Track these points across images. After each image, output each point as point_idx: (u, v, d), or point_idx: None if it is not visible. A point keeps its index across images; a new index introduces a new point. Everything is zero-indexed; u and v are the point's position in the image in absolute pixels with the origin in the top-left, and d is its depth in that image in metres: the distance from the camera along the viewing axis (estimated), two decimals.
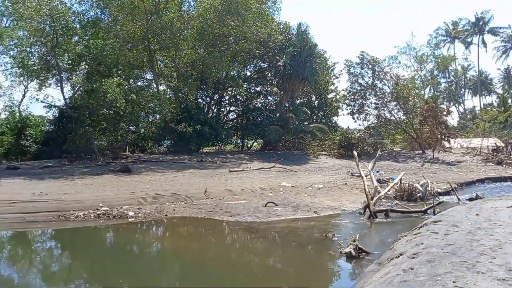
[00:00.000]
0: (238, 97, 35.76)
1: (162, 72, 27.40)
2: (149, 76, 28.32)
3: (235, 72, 31.22)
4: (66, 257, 8.49)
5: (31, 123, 26.21)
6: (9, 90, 38.26)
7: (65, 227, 10.23)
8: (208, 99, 34.74)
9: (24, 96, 37.85)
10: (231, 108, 36.77)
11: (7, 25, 34.25)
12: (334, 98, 36.26)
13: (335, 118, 36.83)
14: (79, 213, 11.06)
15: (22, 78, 31.22)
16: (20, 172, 16.55)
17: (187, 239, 9.50)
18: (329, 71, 35.86)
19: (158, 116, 25.40)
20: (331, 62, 35.93)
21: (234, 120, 36.67)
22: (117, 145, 24.34)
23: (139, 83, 26.01)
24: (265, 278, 6.53)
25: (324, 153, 28.38)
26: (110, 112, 22.21)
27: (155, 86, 25.76)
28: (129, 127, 25.76)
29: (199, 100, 33.03)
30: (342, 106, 35.49)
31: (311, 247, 8.25)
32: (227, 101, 36.39)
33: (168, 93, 27.72)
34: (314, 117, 35.63)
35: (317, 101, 36.50)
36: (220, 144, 32.72)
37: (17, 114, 27.25)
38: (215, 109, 35.51)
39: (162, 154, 27.54)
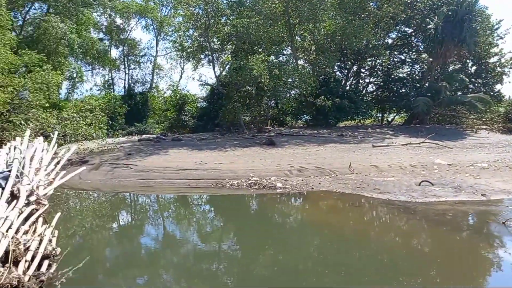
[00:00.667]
0: (379, 67, 33.40)
1: (300, 46, 27.40)
2: (287, 51, 28.74)
3: (377, 40, 29.05)
4: (222, 220, 9.35)
5: (189, 100, 29.78)
6: (170, 72, 44.04)
7: (222, 193, 11.30)
8: (346, 71, 33.49)
9: (181, 76, 43.21)
10: (370, 80, 34.70)
11: (166, 13, 39.32)
12: (498, 63, 30.50)
13: (498, 86, 31.10)
14: (233, 182, 12.06)
15: (180, 60, 35.68)
16: (182, 143, 18.96)
17: (336, 213, 9.35)
18: (492, 31, 30.13)
19: (297, 90, 25.70)
20: (495, 20, 30.12)
21: (374, 93, 34.54)
22: (260, 120, 25.73)
23: (279, 59, 26.61)
24: (432, 269, 5.82)
25: (484, 127, 24.45)
26: (254, 88, 23.45)
27: (294, 60, 25.99)
28: (271, 102, 26.83)
29: (337, 72, 32.12)
30: (509, 71, 29.68)
31: (485, 236, 7.11)
32: (366, 72, 34.41)
33: (306, 67, 27.70)
34: (470, 86, 30.75)
35: (474, 67, 31.33)
36: (360, 118, 31.43)
37: (178, 92, 31.27)
38: (354, 81, 34.08)
39: (301, 128, 27.99)
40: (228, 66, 25.24)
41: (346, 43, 25.71)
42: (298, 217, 9.46)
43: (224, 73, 26.58)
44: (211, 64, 25.16)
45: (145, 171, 13.17)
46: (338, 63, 31.10)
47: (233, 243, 7.43)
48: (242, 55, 21.75)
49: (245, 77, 19.71)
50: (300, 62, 27.96)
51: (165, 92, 38.21)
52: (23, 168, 5.69)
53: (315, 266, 5.88)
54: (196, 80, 27.73)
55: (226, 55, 24.09)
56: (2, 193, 4.95)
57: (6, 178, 5.15)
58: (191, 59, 24.93)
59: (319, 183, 11.58)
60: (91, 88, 41.61)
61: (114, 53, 41.72)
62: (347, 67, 33.04)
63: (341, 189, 10.78)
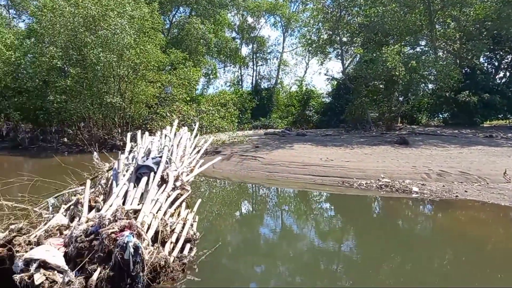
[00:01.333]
0: None
1: (442, 34, 24.34)
2: (423, 42, 25.92)
3: None
4: (348, 220, 8.63)
5: (314, 95, 29.53)
6: (294, 67, 44.49)
7: (349, 193, 10.67)
8: (496, 62, 28.51)
9: (305, 72, 43.30)
10: None
11: (294, 9, 39.77)
12: None
13: None
14: (362, 182, 11.32)
15: (305, 55, 35.71)
16: (306, 139, 18.81)
17: (490, 229, 7.86)
18: None
19: (435, 84, 22.97)
20: None
21: None
22: (389, 116, 23.87)
23: (415, 50, 24.17)
24: None
25: None
26: (384, 82, 21.80)
27: (432, 51, 23.25)
28: (403, 98, 24.63)
29: (485, 64, 27.61)
30: None
31: None
32: None
33: (448, 57, 24.51)
34: None
35: None
36: None
37: (304, 88, 31.32)
38: (508, 74, 28.80)
39: (437, 127, 25.01)
40: (356, 59, 24.04)
41: (500, 29, 21.80)
42: (439, 229, 8.24)
43: (351, 66, 25.45)
44: (339, 57, 24.35)
45: (271, 164, 13.40)
46: (486, 53, 26.73)
47: (356, 246, 6.77)
48: (373, 47, 20.36)
49: (377, 70, 18.37)
50: (440, 53, 24.92)
51: (290, 87, 38.88)
52: (171, 154, 6.17)
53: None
54: (323, 74, 27.28)
55: (355, 48, 22.96)
56: (154, 177, 5.42)
57: (158, 163, 5.63)
58: (318, 53, 24.55)
59: (465, 191, 9.98)
60: (222, 85, 45.09)
61: (244, 50, 44.18)
62: (498, 57, 28.12)
63: (495, 200, 9.07)
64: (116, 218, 4.33)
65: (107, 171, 6.19)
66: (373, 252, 6.23)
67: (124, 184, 5.31)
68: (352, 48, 23.26)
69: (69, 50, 18.85)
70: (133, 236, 4.05)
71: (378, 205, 10.04)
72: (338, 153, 14.49)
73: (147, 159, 5.65)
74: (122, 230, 4.18)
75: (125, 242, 3.96)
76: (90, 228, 4.42)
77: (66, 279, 3.84)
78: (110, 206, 4.90)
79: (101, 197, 5.65)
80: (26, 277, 3.86)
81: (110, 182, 5.96)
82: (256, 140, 18.35)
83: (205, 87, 40.31)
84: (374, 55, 18.40)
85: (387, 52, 17.74)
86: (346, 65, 26.70)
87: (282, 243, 6.60)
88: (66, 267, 4.09)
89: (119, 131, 20.23)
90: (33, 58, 19.53)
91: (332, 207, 10.00)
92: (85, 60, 18.18)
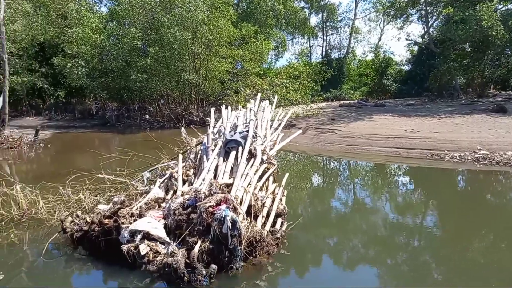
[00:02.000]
0: None
1: None
2: None
3: None
4: (439, 197, 7.83)
5: (392, 63, 27.53)
6: (367, 35, 41.96)
7: (439, 166, 9.82)
8: None
9: (380, 39, 40.52)
10: None
11: None
12: None
13: None
14: (454, 154, 10.36)
15: (381, 20, 33.19)
16: (386, 109, 17.66)
17: None
18: None
19: None
20: None
21: None
22: (481, 82, 21.39)
23: None
24: None
25: None
26: (474, 44, 19.38)
27: None
28: (497, 61, 21.81)
29: None
30: None
31: None
32: None
33: None
34: None
35: None
36: None
37: (381, 55, 29.34)
38: None
39: None
40: (442, 20, 21.61)
41: None
42: None
43: (434, 29, 23.02)
44: (421, 20, 22.13)
45: (350, 137, 12.84)
46: None
47: (443, 225, 6.04)
48: (464, 5, 18.03)
49: (469, 31, 16.27)
50: None
51: (366, 55, 36.66)
52: (256, 128, 6.07)
53: None
54: (400, 40, 25.15)
55: (441, 7, 20.56)
56: (242, 151, 5.36)
57: (245, 138, 5.57)
58: (398, 17, 22.50)
59: None
60: (290, 58, 44.10)
61: (313, 20, 42.50)
62: None
63: None
64: (212, 192, 4.35)
65: (196, 145, 6.30)
66: (466, 230, 5.59)
67: (214, 158, 5.34)
68: (438, 6, 20.75)
69: (147, 30, 19.66)
70: (229, 210, 4.04)
71: (475, 179, 9.08)
72: (425, 123, 13.37)
73: (234, 133, 5.61)
74: (218, 204, 4.19)
75: (223, 216, 3.96)
76: (186, 201, 4.51)
77: (170, 250, 3.97)
78: (203, 180, 4.96)
79: (191, 171, 5.78)
80: (132, 248, 4.07)
81: (199, 157, 6.06)
82: (331, 113, 17.71)
83: (274, 60, 39.81)
84: (467, 13, 16.25)
85: (482, 10, 15.57)
86: (430, 28, 24.22)
87: (369, 217, 6.22)
88: (168, 239, 4.24)
89: (195, 107, 20.91)
90: (115, 40, 20.74)
91: (420, 182, 9.23)
92: (162, 39, 18.83)
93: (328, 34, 41.61)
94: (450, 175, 9.41)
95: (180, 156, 5.56)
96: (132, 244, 4.08)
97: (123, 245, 4.09)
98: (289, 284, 4.13)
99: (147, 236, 4.18)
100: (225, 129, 6.10)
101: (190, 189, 4.76)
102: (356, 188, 8.57)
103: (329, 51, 40.51)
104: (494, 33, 15.52)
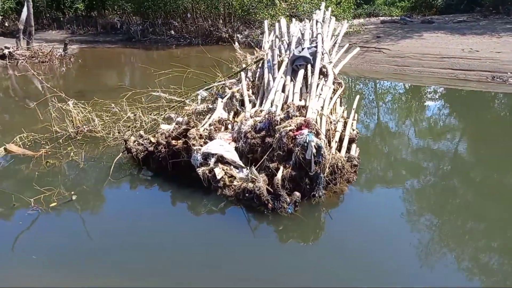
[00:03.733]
0: None
1: None
2: None
3: None
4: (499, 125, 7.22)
5: None
6: None
7: (501, 90, 9.04)
8: None
9: None
10: None
11: None
12: None
13: None
14: None
15: None
16: (435, 26, 16.10)
17: None
18: None
19: None
20: None
21: None
22: None
23: None
24: None
25: None
26: None
27: None
28: None
29: None
30: None
31: None
32: None
33: None
34: None
35: None
36: None
37: None
38: None
39: None
40: None
41: None
42: None
43: None
44: None
45: (400, 57, 11.85)
46: None
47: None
48: None
49: None
50: None
51: None
52: (322, 44, 5.39)
53: None
54: None
55: None
56: (312, 70, 4.81)
57: (313, 54, 4.96)
58: None
59: None
60: None
61: None
62: None
63: None
64: (290, 115, 3.94)
65: (255, 62, 5.72)
66: None
67: (282, 77, 4.82)
68: None
69: None
70: (313, 135, 3.65)
71: None
72: (483, 42, 12.11)
73: (302, 49, 4.98)
74: (298, 128, 3.80)
75: (307, 141, 3.59)
76: (258, 124, 4.14)
77: (249, 175, 3.70)
78: (272, 101, 4.52)
79: (250, 91, 5.32)
80: (207, 171, 3.83)
81: (257, 76, 5.56)
82: (374, 30, 16.30)
83: None
84: None
85: None
86: None
87: (437, 150, 5.78)
88: (241, 163, 3.97)
89: (224, 23, 19.59)
90: None
91: (480, 107, 8.51)
92: None
93: None
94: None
95: (243, 74, 5.06)
96: (206, 168, 3.84)
97: (198, 168, 3.86)
98: (377, 211, 3.90)
99: (221, 160, 3.92)
100: (288, 44, 5.45)
101: (261, 111, 4.36)
102: (413, 114, 8.03)
103: None
104: None
